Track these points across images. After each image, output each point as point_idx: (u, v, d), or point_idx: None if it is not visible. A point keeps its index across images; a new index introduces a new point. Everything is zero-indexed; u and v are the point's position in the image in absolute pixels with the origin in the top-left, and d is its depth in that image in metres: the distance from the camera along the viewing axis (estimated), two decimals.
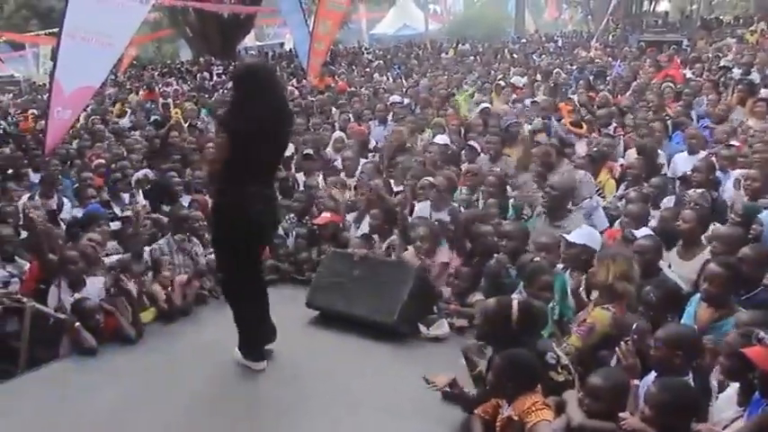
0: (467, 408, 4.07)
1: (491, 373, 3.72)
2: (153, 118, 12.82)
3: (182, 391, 4.67)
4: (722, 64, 14.04)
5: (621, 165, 7.93)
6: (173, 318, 5.67)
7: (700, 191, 6.08)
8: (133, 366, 5.02)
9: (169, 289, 5.82)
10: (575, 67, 16.47)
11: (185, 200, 7.48)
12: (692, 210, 5.49)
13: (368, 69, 20.71)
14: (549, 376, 3.89)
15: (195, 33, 27.82)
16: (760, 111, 8.92)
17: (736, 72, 12.67)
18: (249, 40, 36.58)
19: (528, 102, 11.69)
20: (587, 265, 4.77)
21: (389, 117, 11.10)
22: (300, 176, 8.23)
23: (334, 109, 12.49)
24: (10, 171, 9.06)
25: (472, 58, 22.36)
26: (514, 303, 4.06)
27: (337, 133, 9.64)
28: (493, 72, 16.53)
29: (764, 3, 29.19)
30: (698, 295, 4.56)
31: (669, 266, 5.26)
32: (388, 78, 18.64)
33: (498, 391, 3.74)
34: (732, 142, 7.57)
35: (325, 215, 6.67)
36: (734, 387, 3.55)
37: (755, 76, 11.97)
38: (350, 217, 6.99)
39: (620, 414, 3.37)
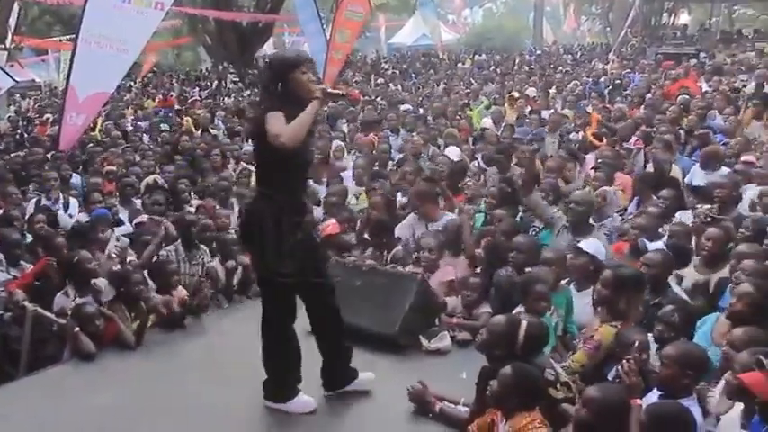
0: (458, 427, 4.03)
1: (496, 384, 3.65)
2: (165, 125, 12.87)
3: (177, 399, 4.63)
4: (737, 85, 13.87)
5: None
6: (173, 326, 5.62)
7: (707, 207, 6.01)
8: (131, 373, 4.99)
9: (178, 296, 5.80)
10: (590, 79, 16.37)
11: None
12: (718, 228, 5.44)
13: (382, 79, 20.72)
14: (547, 393, 3.84)
15: (214, 41, 27.98)
16: None
17: (750, 86, 12.55)
18: (268, 48, 36.74)
19: (545, 114, 11.63)
20: (594, 277, 4.72)
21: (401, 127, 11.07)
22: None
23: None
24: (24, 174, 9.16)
25: (489, 69, 22.31)
26: (523, 325, 4.00)
27: (336, 142, 9.62)
28: (509, 83, 16.49)
29: None
30: (714, 314, 4.48)
31: (681, 280, 5.23)
32: (403, 88, 18.63)
33: (500, 404, 3.66)
34: (745, 158, 7.48)
35: (329, 222, 6.65)
36: (738, 408, 3.47)
37: None
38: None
39: None
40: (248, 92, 19.38)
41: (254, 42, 27.83)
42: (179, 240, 6.41)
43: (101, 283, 5.59)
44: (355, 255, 6.12)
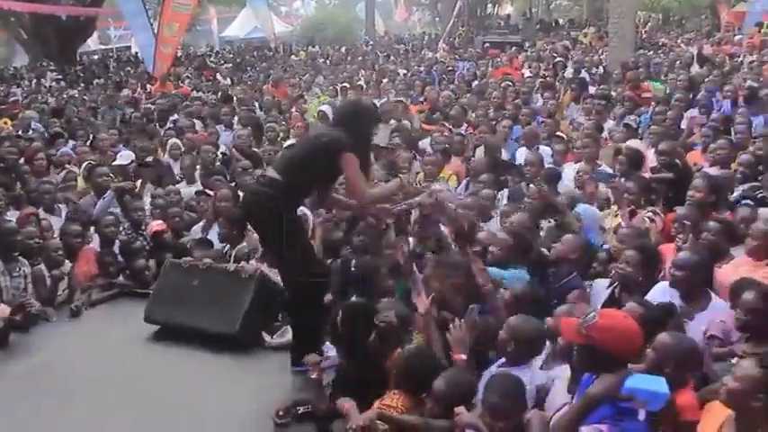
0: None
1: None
2: None
3: (22, 424, 4.31)
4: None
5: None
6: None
7: (533, 187, 6.36)
8: None
9: None
10: (422, 68, 16.81)
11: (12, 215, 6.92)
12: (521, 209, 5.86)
13: (214, 73, 20.26)
14: None
15: (30, 36, 26.14)
16: (588, 107, 9.49)
17: (569, 71, 13.41)
18: (93, 43, 34.88)
19: (376, 102, 11.77)
20: None
21: (235, 121, 10.85)
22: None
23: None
24: None
25: (322, 60, 22.39)
26: (342, 307, 4.27)
27: (172, 140, 9.31)
28: (342, 75, 16.62)
29: (595, 8, 31.13)
30: None
31: None
32: (235, 82, 18.26)
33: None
34: (560, 135, 8.02)
35: (155, 223, 6.54)
36: (564, 379, 3.69)
37: (586, 75, 12.72)
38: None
39: (456, 409, 3.41)
40: (71, 90, 18.22)
41: (76, 37, 26.31)
42: None
43: None
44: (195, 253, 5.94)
